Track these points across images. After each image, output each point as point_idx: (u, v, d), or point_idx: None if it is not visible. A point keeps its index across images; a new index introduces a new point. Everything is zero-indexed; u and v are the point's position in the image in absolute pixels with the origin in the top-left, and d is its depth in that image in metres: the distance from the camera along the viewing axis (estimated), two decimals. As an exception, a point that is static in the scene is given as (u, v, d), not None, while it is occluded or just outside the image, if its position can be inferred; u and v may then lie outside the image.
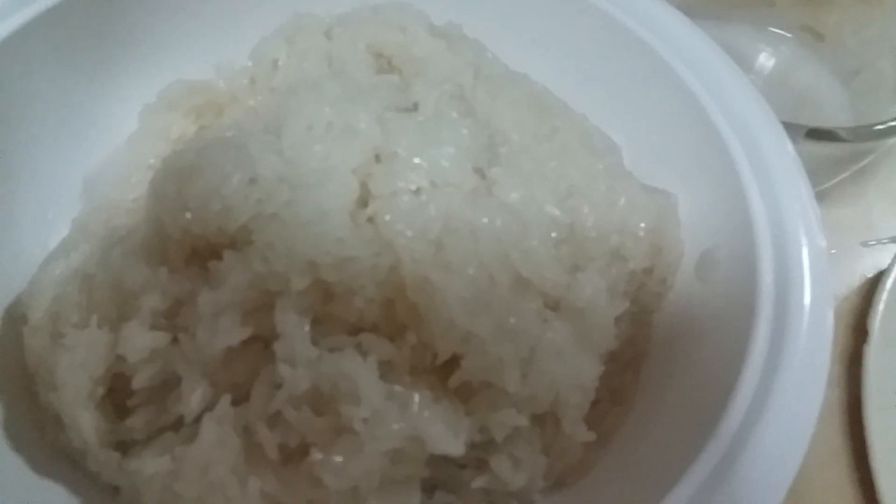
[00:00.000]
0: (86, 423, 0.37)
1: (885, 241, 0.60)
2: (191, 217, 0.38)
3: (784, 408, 0.33)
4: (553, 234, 0.40)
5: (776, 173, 0.40)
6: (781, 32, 0.65)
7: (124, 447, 0.38)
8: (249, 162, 0.39)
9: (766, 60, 0.64)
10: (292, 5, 0.52)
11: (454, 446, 0.34)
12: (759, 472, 0.32)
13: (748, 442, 0.33)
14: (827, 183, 0.56)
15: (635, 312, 0.43)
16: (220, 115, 0.50)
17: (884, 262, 0.57)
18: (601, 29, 0.48)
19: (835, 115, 0.60)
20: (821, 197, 0.40)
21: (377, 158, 0.40)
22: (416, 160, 0.39)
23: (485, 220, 0.38)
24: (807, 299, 0.36)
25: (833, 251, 0.38)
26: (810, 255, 0.38)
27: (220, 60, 0.51)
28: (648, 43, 0.46)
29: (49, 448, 0.39)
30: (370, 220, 0.38)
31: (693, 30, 0.47)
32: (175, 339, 0.37)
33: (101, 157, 0.49)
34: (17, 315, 0.42)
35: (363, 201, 0.39)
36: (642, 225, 0.43)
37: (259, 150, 0.39)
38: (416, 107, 0.45)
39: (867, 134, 0.49)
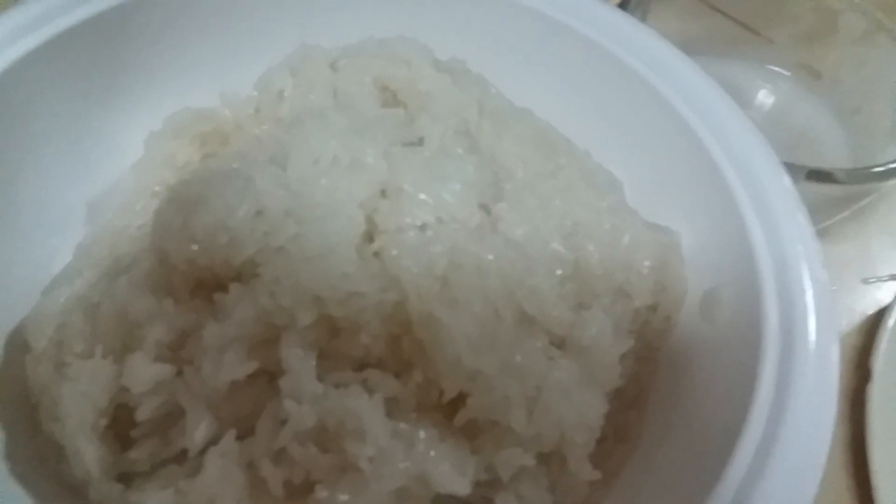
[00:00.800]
0: (88, 454, 0.36)
1: (886, 278, 0.60)
2: (197, 249, 0.38)
3: (792, 449, 0.33)
4: (558, 272, 0.40)
5: (777, 210, 0.41)
6: (780, 70, 0.65)
7: (127, 479, 0.37)
8: (256, 194, 0.39)
9: (764, 98, 0.64)
10: (299, 36, 0.52)
11: (460, 485, 0.34)
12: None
13: (757, 485, 0.32)
14: (826, 221, 0.56)
15: (640, 350, 0.43)
16: (225, 144, 0.50)
17: (884, 300, 0.57)
18: (603, 65, 0.49)
19: (833, 154, 0.60)
20: (820, 234, 0.40)
21: (383, 193, 0.40)
22: (422, 196, 0.39)
23: (490, 256, 0.38)
24: (812, 337, 0.36)
25: (833, 288, 0.38)
26: (814, 291, 0.38)
27: (226, 89, 0.51)
28: (649, 80, 0.46)
29: (51, 479, 0.38)
30: (376, 254, 0.39)
31: (692, 67, 0.47)
32: (180, 372, 0.37)
33: (105, 183, 0.49)
34: (19, 342, 0.42)
35: (369, 236, 0.39)
36: (647, 263, 0.43)
37: (265, 183, 0.39)
38: (421, 141, 0.45)
39: (866, 176, 0.49)
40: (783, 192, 0.41)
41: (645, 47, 0.47)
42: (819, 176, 0.47)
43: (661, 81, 0.46)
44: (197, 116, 0.50)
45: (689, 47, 0.47)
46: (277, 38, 0.52)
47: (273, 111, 0.50)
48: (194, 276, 0.39)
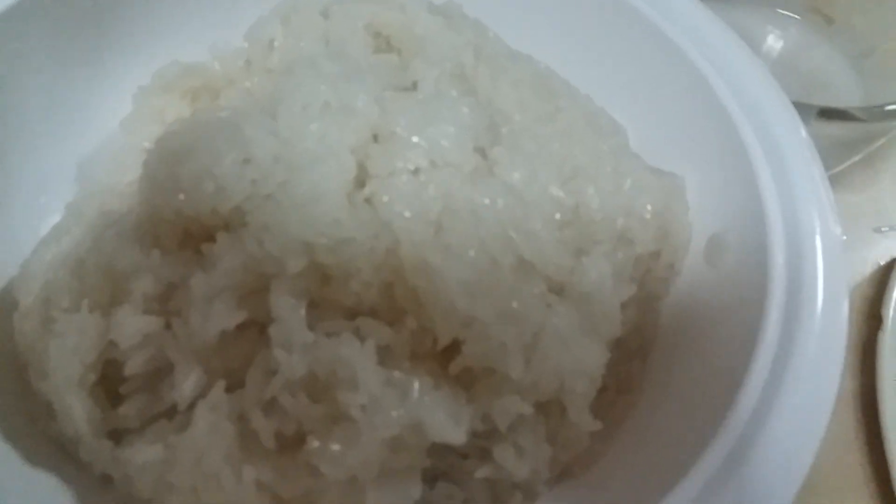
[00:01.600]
0: (77, 410, 0.36)
1: (899, 227, 0.59)
2: (183, 198, 0.37)
3: (797, 398, 0.32)
4: (557, 216, 0.39)
5: (788, 155, 0.39)
6: (790, 14, 0.63)
7: (117, 436, 0.37)
8: (243, 142, 0.37)
9: (774, 42, 0.63)
10: (290, -16, 0.51)
11: (456, 434, 0.33)
12: (772, 465, 0.31)
13: (760, 433, 0.32)
14: (838, 167, 0.54)
15: (642, 298, 0.41)
16: (215, 98, 0.49)
17: (897, 249, 0.56)
18: (606, 7, 0.47)
19: (845, 98, 0.58)
20: (832, 182, 0.39)
21: (375, 138, 0.39)
22: (415, 139, 0.38)
23: (486, 200, 0.37)
24: (820, 286, 0.35)
25: (844, 237, 0.37)
26: (824, 240, 0.37)
27: (216, 41, 0.50)
28: (654, 22, 0.45)
29: (40, 437, 0.38)
30: (367, 200, 0.37)
31: (700, 8, 0.45)
32: (168, 325, 0.36)
33: (94, 141, 0.48)
34: (9, 301, 0.41)
35: (360, 182, 0.38)
36: (649, 207, 0.41)
37: (253, 130, 0.38)
38: (415, 86, 0.43)
39: (881, 114, 0.48)
40: (795, 136, 0.40)
41: (650, -13, 0.45)
42: (831, 114, 0.46)
43: (667, 22, 0.45)
44: (186, 70, 0.49)
45: (698, -9, 0.46)
46: (268, -14, 0.50)
47: (263, 62, 0.49)
48: (182, 226, 0.38)
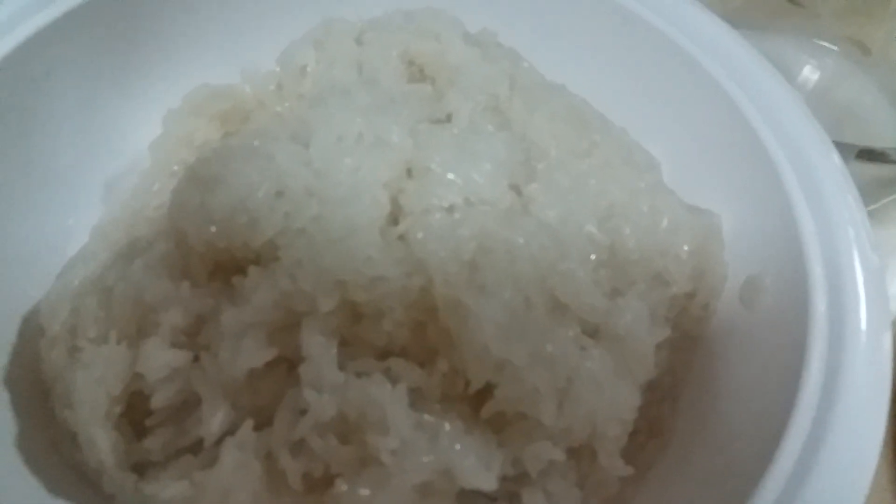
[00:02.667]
0: (102, 442, 0.35)
1: (936, 264, 0.57)
2: (215, 230, 0.37)
3: (842, 450, 0.31)
4: (592, 257, 0.38)
5: (826, 192, 0.39)
6: (826, 45, 0.62)
7: (141, 469, 0.36)
8: (277, 173, 0.37)
9: (809, 73, 0.62)
10: (322, 9, 0.50)
11: (486, 480, 0.33)
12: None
13: (802, 488, 0.31)
14: (873, 205, 0.53)
15: (675, 339, 0.41)
16: (245, 122, 0.49)
17: (932, 287, 0.54)
18: (641, 38, 0.47)
19: (881, 133, 0.57)
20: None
21: (409, 172, 0.39)
22: (450, 176, 0.38)
23: (521, 240, 0.36)
24: (863, 326, 0.34)
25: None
26: (866, 278, 0.36)
27: (247, 65, 0.50)
28: (690, 52, 0.45)
29: (64, 467, 0.38)
30: (401, 237, 0.37)
31: (737, 39, 0.45)
32: (196, 358, 0.36)
33: (123, 163, 0.48)
34: (34, 326, 0.41)
35: (394, 218, 0.38)
36: (685, 247, 0.41)
37: (287, 161, 0.38)
38: (449, 118, 0.43)
39: (921, 155, 0.46)
40: (833, 171, 0.39)
41: (686, 18, 0.45)
42: (871, 155, 0.45)
43: (703, 54, 0.44)
44: (216, 93, 0.49)
45: (732, 19, 0.45)
46: (300, 10, 0.50)
47: (295, 87, 0.48)
48: (212, 258, 0.38)
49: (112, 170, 0.48)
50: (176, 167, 0.46)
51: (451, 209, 0.37)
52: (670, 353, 0.41)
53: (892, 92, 0.59)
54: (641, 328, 0.37)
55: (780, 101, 0.42)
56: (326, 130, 0.39)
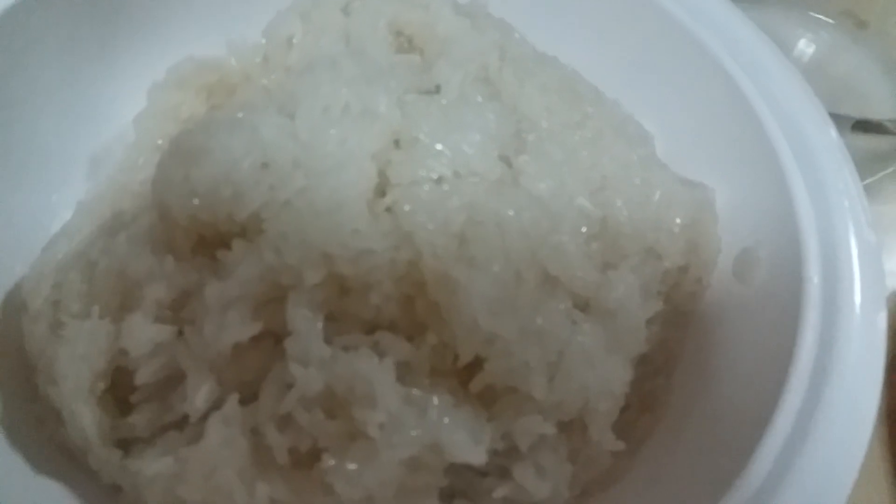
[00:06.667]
0: (86, 418, 0.35)
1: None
2: (199, 203, 0.36)
3: (834, 424, 0.31)
4: (584, 229, 0.38)
5: (822, 165, 0.38)
6: (822, 18, 0.62)
7: (126, 445, 0.36)
8: (261, 145, 0.37)
9: (805, 46, 0.61)
10: (310, -22, 0.49)
11: (475, 454, 0.32)
12: (808, 495, 0.30)
13: (795, 459, 0.31)
14: (869, 178, 0.53)
15: (668, 314, 0.40)
16: (231, 95, 0.48)
17: (930, 262, 0.54)
18: (634, 9, 0.46)
19: (877, 106, 0.57)
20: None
21: (397, 144, 0.38)
22: (439, 147, 0.37)
23: (511, 212, 0.36)
24: (857, 301, 0.34)
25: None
26: (860, 252, 0.36)
27: (233, 37, 0.49)
28: (685, 24, 0.44)
29: (48, 444, 0.37)
30: (389, 210, 0.36)
31: (733, 11, 0.44)
32: (180, 333, 0.35)
33: (107, 137, 0.47)
34: (17, 302, 0.41)
35: (381, 190, 0.37)
36: (678, 220, 0.40)
37: (272, 133, 0.37)
38: (438, 89, 0.42)
39: (919, 127, 0.46)
40: (829, 144, 0.39)
41: (680, -11, 0.44)
42: (867, 126, 0.45)
43: (698, 25, 0.44)
44: (202, 66, 0.48)
45: (725, -9, 0.45)
46: (287, -19, 0.49)
47: (282, 59, 0.48)
48: (196, 232, 0.37)
49: (96, 144, 0.47)
50: (161, 141, 0.46)
51: (439, 181, 0.36)
52: (663, 328, 0.40)
53: (888, 65, 0.59)
54: (633, 301, 0.37)
55: (777, 73, 0.42)
56: (312, 101, 0.38)
